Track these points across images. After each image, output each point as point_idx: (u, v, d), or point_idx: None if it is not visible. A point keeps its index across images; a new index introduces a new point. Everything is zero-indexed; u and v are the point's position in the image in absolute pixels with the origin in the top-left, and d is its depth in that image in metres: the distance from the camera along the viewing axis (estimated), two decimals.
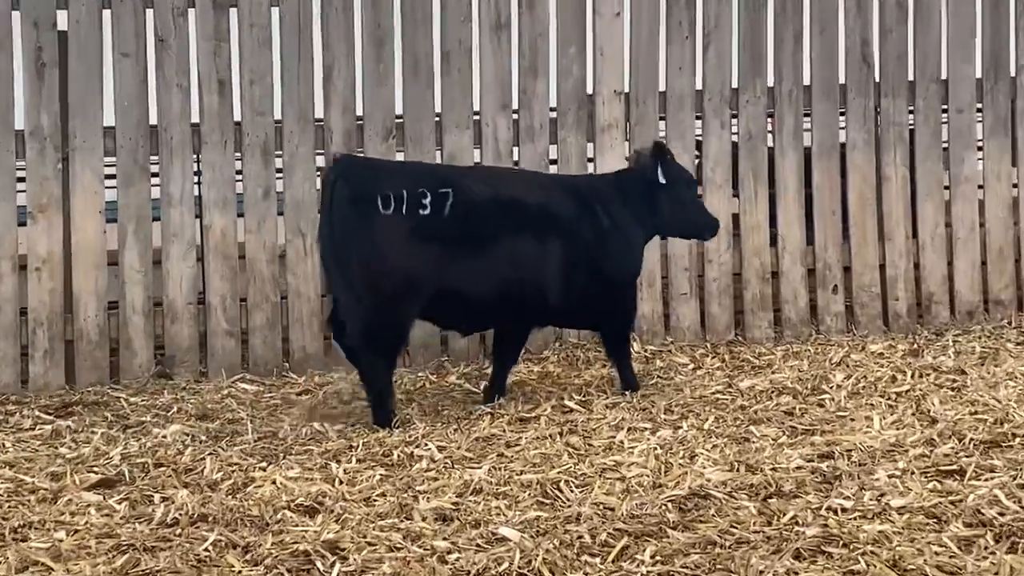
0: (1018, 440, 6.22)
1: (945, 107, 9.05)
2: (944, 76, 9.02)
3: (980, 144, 9.17)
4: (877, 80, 8.94)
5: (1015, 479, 5.68)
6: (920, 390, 7.20)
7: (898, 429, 6.56)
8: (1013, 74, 9.09)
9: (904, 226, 8.99)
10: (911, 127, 9.07)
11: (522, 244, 7.13)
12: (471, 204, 7.03)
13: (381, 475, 6.13)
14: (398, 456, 6.40)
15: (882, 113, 8.95)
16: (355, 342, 6.95)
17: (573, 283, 7.25)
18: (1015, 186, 9.14)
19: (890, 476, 5.83)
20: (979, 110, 9.09)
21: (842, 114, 8.98)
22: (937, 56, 9.01)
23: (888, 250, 8.96)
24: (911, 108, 9.03)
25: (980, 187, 9.11)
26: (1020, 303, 9.15)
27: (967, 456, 6.05)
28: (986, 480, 5.71)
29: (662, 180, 7.43)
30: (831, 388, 7.33)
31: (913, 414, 6.81)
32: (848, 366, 7.83)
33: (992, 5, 9.02)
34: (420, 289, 6.95)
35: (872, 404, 7.01)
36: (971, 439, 6.27)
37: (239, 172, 8.30)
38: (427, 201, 6.93)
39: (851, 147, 8.93)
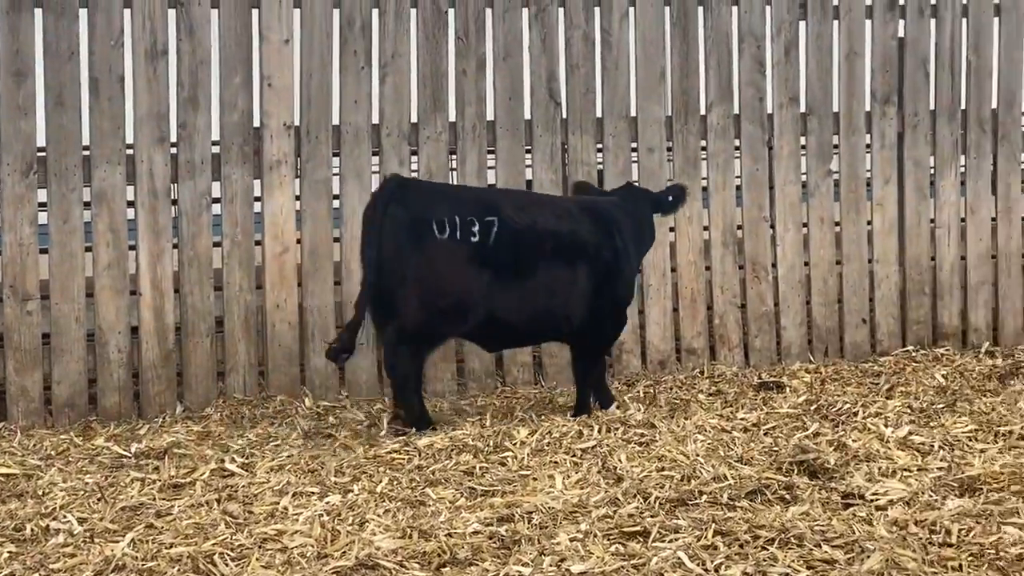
0: (704, 498, 6.29)
1: (635, 146, 9.20)
2: (633, 114, 9.17)
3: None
4: (565, 117, 9.03)
5: (699, 540, 5.72)
6: (607, 445, 7.23)
7: (582, 488, 6.57)
8: (703, 113, 9.30)
9: None
10: (600, 166, 9.19)
11: (553, 272, 7.81)
12: (514, 231, 7.68)
13: (10, 552, 5.83)
14: (31, 530, 6.09)
15: (570, 151, 9.05)
16: (389, 353, 7.65)
17: (593, 303, 7.96)
18: (706, 229, 9.33)
19: (572, 539, 5.82)
20: (669, 149, 9.25)
21: (528, 151, 9.03)
22: (626, 93, 9.15)
23: None
24: (600, 146, 9.15)
25: (671, 230, 9.26)
26: (712, 352, 9.35)
27: (652, 516, 6.08)
28: (670, 541, 5.74)
29: (665, 213, 8.47)
30: (514, 445, 7.30)
31: (599, 471, 6.83)
32: (533, 420, 7.82)
33: (681, 43, 9.22)
34: (469, 313, 7.64)
35: (556, 462, 7.01)
36: (656, 497, 6.32)
37: None
38: (476, 228, 7.56)
39: (538, 186, 8.99)
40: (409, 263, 7.50)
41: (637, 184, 8.80)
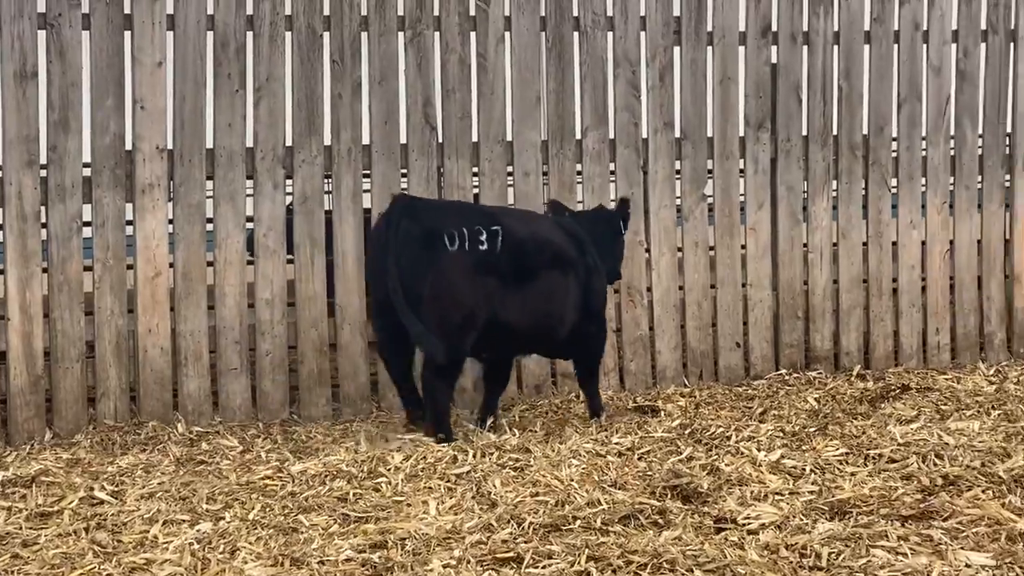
0: (578, 523, 6.29)
1: (511, 170, 9.21)
2: (509, 138, 9.19)
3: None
4: (440, 141, 9.02)
5: (573, 565, 5.73)
6: (482, 471, 7.21)
7: (456, 514, 6.55)
8: (579, 137, 9.34)
9: None
10: (476, 190, 9.20)
11: (551, 279, 8.17)
12: (516, 241, 8.02)
13: None
14: None
15: (445, 175, 9.05)
16: (423, 368, 7.99)
17: (577, 316, 8.36)
18: None
19: (445, 566, 5.80)
20: (545, 174, 9.29)
21: (404, 175, 9.01)
22: (502, 118, 9.16)
23: None
24: (476, 170, 9.15)
25: None
26: None
27: (526, 542, 6.07)
28: (543, 567, 5.75)
29: (624, 230, 8.86)
30: (389, 470, 7.26)
31: (473, 497, 6.81)
32: (408, 446, 7.79)
33: (557, 68, 9.25)
34: (478, 320, 7.93)
35: (431, 487, 6.97)
36: (531, 523, 6.31)
37: None
38: (483, 238, 7.90)
39: None
40: (426, 279, 7.81)
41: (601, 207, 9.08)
